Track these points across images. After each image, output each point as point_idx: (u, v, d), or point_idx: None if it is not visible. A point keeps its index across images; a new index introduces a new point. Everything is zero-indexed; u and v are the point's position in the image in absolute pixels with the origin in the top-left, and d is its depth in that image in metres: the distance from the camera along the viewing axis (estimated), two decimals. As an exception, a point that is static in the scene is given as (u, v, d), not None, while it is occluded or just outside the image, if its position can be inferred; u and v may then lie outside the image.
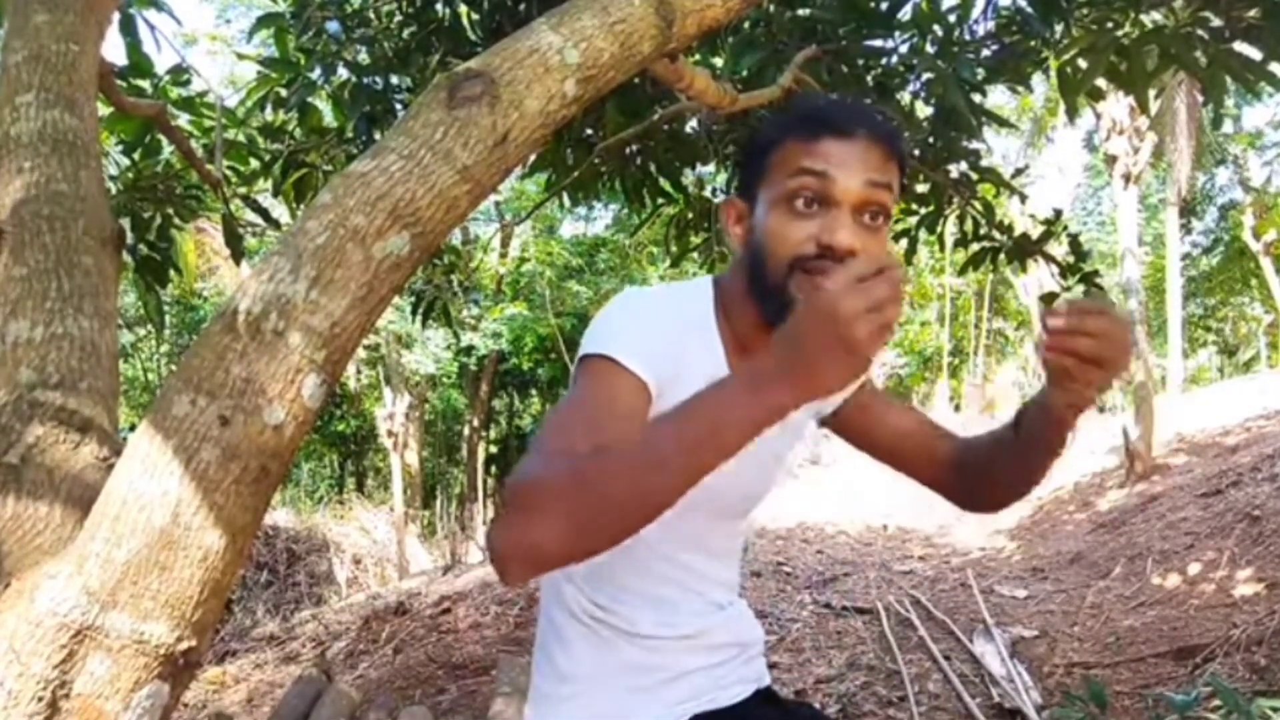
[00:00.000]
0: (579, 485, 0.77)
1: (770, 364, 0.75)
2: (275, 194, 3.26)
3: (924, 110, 3.02)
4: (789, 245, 0.94)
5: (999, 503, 1.15)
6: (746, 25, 2.74)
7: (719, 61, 3.06)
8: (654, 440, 0.78)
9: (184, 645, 1.02)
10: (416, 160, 1.14)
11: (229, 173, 3.04)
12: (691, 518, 1.06)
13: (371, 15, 3.10)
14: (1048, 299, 3.62)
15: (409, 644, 4.95)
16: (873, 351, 0.73)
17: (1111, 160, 9.63)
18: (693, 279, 1.11)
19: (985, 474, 1.12)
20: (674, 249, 3.88)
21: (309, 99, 3.06)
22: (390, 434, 11.15)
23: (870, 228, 0.94)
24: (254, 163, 3.19)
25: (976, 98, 2.72)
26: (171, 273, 3.15)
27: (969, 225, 3.41)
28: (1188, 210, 17.62)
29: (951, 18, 2.63)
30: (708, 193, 3.89)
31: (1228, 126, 15.06)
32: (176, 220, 3.11)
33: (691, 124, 3.38)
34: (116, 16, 2.15)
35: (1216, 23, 2.36)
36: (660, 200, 3.64)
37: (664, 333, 0.97)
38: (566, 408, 0.91)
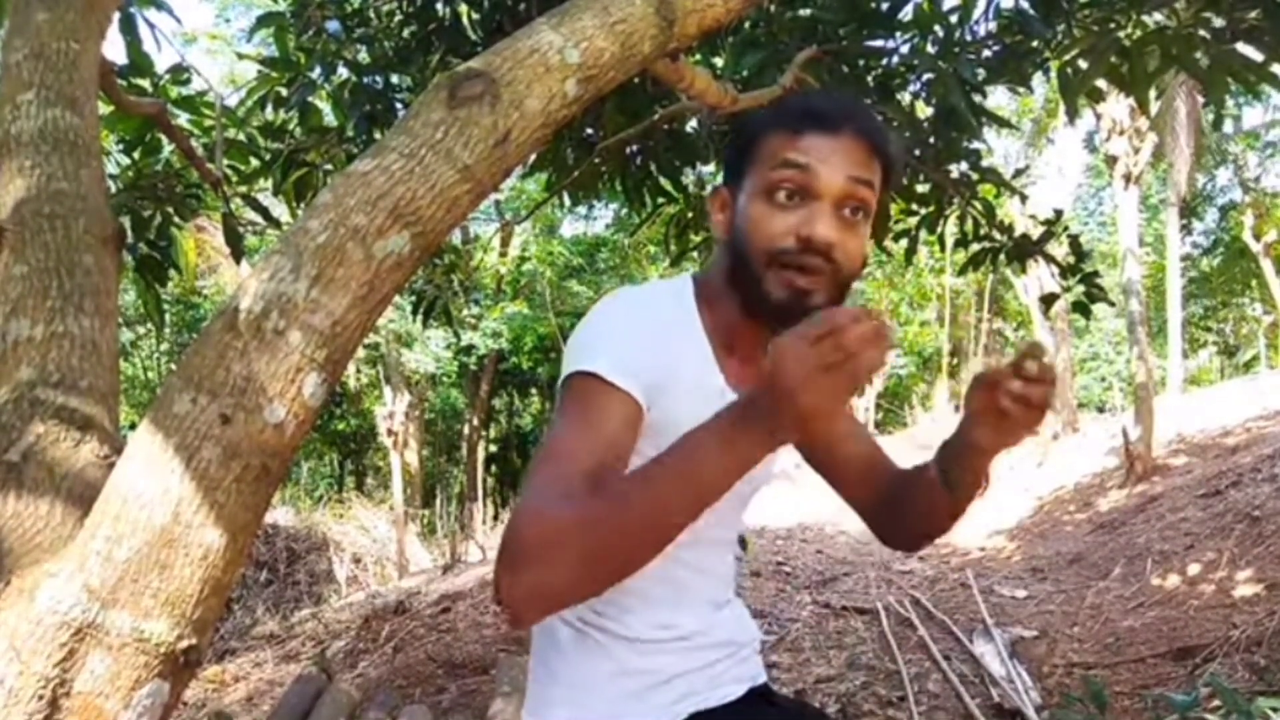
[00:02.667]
0: (581, 538, 0.79)
1: (743, 416, 0.77)
2: (275, 193, 3.26)
3: (924, 110, 3.02)
4: (768, 237, 0.96)
5: (915, 541, 1.18)
6: (747, 25, 2.74)
7: (719, 61, 3.07)
8: (645, 492, 0.80)
9: (184, 644, 1.02)
10: (417, 159, 1.14)
11: (229, 172, 3.04)
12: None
13: (371, 15, 3.10)
14: (1048, 300, 3.63)
15: (409, 643, 4.95)
16: (831, 414, 0.74)
17: (1112, 161, 9.64)
18: (674, 278, 1.11)
19: (909, 510, 1.11)
20: (674, 248, 3.88)
21: (309, 98, 3.06)
22: (390, 433, 11.15)
23: (850, 223, 0.96)
24: (254, 162, 3.19)
25: (977, 98, 2.72)
26: (171, 271, 3.15)
27: (969, 225, 3.41)
28: (1188, 211, 17.62)
29: (953, 18, 2.63)
30: (707, 192, 3.89)
31: (1228, 126, 15.07)
32: (176, 219, 3.10)
33: (692, 124, 3.38)
34: (117, 15, 2.15)
35: (1218, 24, 2.36)
36: (660, 200, 3.64)
37: (649, 338, 0.97)
38: (558, 437, 0.91)
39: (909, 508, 1.10)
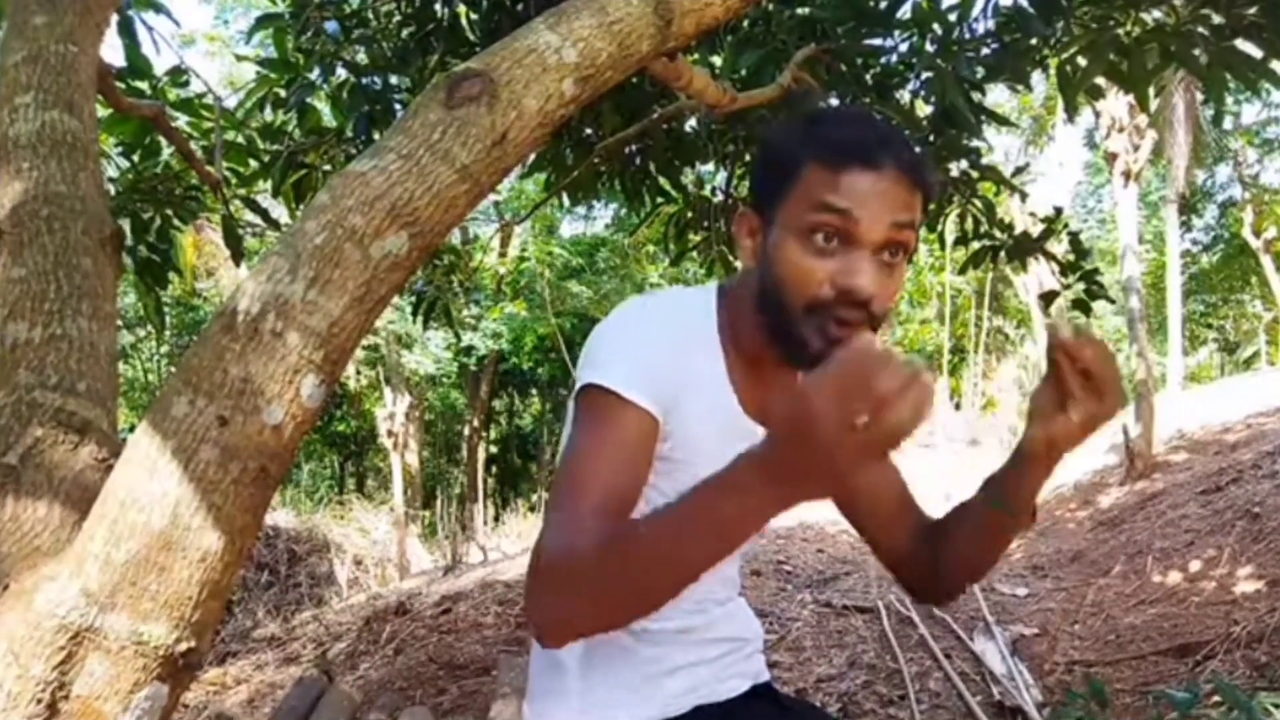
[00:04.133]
0: (601, 578, 0.80)
1: (764, 466, 0.70)
2: (274, 194, 3.26)
3: (924, 109, 3.02)
4: (806, 284, 0.91)
5: (953, 586, 1.10)
6: (745, 24, 2.74)
7: (718, 60, 3.06)
8: (667, 536, 0.77)
9: (183, 646, 1.02)
10: (415, 160, 1.14)
11: (228, 174, 3.04)
12: None
13: (370, 15, 3.10)
14: (1048, 298, 3.63)
15: (410, 644, 4.95)
16: (864, 466, 0.66)
17: (1111, 158, 9.62)
18: (697, 286, 1.10)
19: (951, 549, 1.05)
20: (673, 248, 3.88)
21: (308, 99, 3.06)
22: (390, 434, 11.16)
23: (890, 264, 0.92)
24: (253, 163, 3.19)
25: (976, 96, 2.72)
26: (171, 274, 3.15)
27: (969, 223, 3.41)
28: (1187, 208, 17.62)
29: (951, 16, 2.63)
30: (707, 192, 3.89)
31: (1226, 123, 15.06)
32: (176, 222, 3.10)
33: (690, 123, 3.38)
34: (114, 18, 2.15)
35: (1217, 20, 2.36)
36: (659, 200, 3.64)
37: (664, 350, 0.96)
38: (579, 457, 0.91)
39: (950, 547, 1.05)
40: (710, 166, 3.78)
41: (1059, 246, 3.55)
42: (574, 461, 0.91)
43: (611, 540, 0.81)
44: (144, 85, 2.84)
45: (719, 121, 3.13)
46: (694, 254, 3.99)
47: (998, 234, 3.39)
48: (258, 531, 1.24)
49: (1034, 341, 14.91)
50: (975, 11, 2.66)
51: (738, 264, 3.69)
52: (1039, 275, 9.95)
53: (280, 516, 9.01)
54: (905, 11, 2.68)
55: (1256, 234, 15.83)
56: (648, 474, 0.94)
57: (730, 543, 0.76)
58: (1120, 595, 4.69)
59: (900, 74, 2.80)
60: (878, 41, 2.73)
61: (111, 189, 2.94)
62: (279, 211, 3.77)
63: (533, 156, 3.29)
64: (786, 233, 0.93)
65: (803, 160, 0.94)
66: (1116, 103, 9.08)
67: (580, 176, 3.38)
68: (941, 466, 10.11)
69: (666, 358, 0.96)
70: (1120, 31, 2.49)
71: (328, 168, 3.17)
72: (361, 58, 3.10)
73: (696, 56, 3.10)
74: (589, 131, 3.34)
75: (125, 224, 2.90)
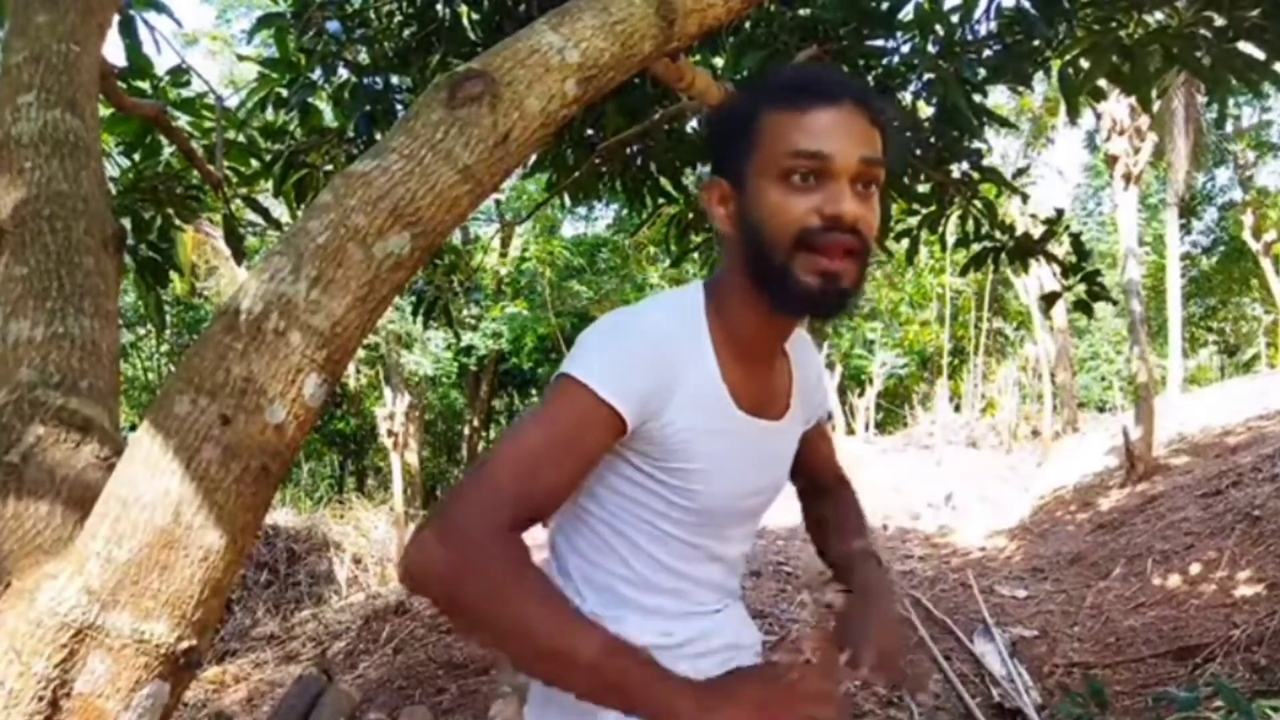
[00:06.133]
0: (489, 599, 0.87)
1: (697, 698, 0.87)
2: (276, 194, 3.26)
3: (925, 110, 3.02)
4: (792, 219, 0.94)
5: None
6: (747, 25, 2.74)
7: (720, 61, 3.07)
8: (568, 639, 0.87)
9: (184, 644, 1.02)
10: (417, 160, 1.14)
11: (230, 173, 3.04)
12: (701, 532, 1.05)
13: (372, 15, 3.10)
14: (1048, 299, 3.62)
15: (409, 643, 4.95)
16: None
17: (1112, 160, 9.62)
18: (686, 285, 1.10)
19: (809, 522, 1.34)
20: (674, 249, 3.88)
21: (309, 99, 3.06)
22: (390, 433, 11.12)
23: (865, 196, 0.96)
24: (255, 163, 3.19)
25: (978, 98, 2.72)
26: (172, 273, 3.15)
27: (970, 225, 3.41)
28: (1187, 210, 17.62)
29: (953, 18, 2.63)
30: (699, 186, 3.88)
31: (1227, 126, 15.05)
32: (177, 221, 3.10)
33: (692, 124, 3.38)
34: (116, 18, 2.15)
35: (1220, 22, 2.36)
36: (660, 200, 3.64)
37: (647, 357, 0.97)
38: (530, 431, 0.93)
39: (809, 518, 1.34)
40: (711, 167, 3.77)
41: (1060, 248, 3.54)
42: (523, 432, 0.93)
43: (516, 580, 0.87)
44: (145, 85, 2.84)
45: (720, 122, 3.13)
46: (695, 255, 3.99)
47: (999, 236, 3.39)
48: (258, 530, 1.24)
49: (1034, 343, 14.91)
50: (977, 13, 2.66)
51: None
52: (1039, 277, 9.95)
53: (280, 515, 9.01)
54: (907, 13, 2.68)
55: (1256, 236, 15.81)
56: (588, 471, 0.97)
57: (599, 695, 0.89)
58: (1120, 598, 4.69)
59: (902, 75, 2.80)
60: (880, 42, 2.73)
61: (113, 188, 2.94)
62: (280, 211, 3.77)
63: (534, 157, 3.29)
64: (762, 182, 0.96)
65: (762, 112, 0.97)
66: (1117, 105, 9.08)
67: (582, 177, 3.38)
68: (941, 467, 10.11)
69: (649, 365, 0.96)
70: (1122, 33, 2.49)
71: (329, 168, 3.17)
72: (363, 58, 3.10)
73: (698, 57, 3.10)
74: (590, 132, 3.34)
75: (126, 223, 2.90)
